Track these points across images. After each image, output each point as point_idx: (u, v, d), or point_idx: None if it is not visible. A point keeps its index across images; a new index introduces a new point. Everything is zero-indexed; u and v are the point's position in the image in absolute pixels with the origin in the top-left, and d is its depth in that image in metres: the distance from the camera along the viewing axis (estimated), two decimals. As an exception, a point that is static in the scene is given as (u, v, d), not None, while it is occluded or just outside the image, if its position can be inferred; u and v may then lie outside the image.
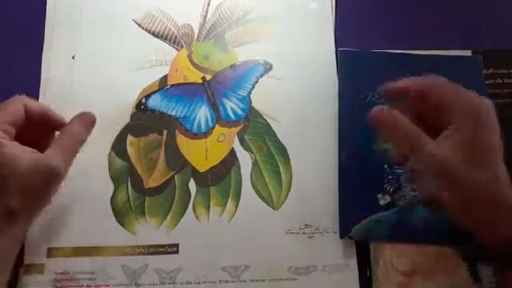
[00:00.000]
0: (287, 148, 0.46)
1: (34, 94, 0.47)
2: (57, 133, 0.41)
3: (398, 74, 0.47)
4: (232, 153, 0.45)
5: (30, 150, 0.38)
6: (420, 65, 0.48)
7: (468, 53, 0.49)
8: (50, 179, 0.38)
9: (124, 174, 0.44)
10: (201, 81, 0.48)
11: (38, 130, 0.41)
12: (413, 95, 0.37)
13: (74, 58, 0.48)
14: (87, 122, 0.41)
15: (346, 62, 0.48)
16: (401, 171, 0.44)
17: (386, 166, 0.44)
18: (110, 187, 0.44)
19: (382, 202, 0.43)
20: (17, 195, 0.36)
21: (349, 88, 0.47)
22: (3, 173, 0.36)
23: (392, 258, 0.41)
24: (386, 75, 0.47)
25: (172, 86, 0.48)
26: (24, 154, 0.37)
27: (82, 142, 0.40)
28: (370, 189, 0.43)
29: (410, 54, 0.48)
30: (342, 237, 0.42)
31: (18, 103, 0.39)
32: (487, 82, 0.48)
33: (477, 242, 0.35)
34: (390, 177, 0.43)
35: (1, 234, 0.36)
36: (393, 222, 0.42)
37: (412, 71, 0.47)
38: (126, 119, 0.46)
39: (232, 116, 0.47)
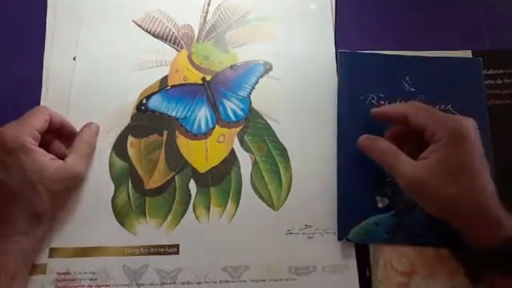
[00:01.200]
0: (287, 148, 0.46)
1: (36, 95, 0.47)
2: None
3: (397, 76, 0.47)
4: (232, 153, 0.45)
5: (53, 156, 0.41)
6: (419, 67, 0.48)
7: (468, 53, 0.49)
8: (73, 184, 0.42)
9: (125, 174, 0.45)
10: (201, 81, 0.48)
11: (55, 137, 0.44)
12: (395, 120, 0.41)
13: (74, 59, 0.48)
14: (94, 130, 0.45)
15: (345, 63, 0.48)
16: None
17: (384, 168, 0.44)
18: (111, 188, 0.44)
19: (380, 205, 0.43)
20: (44, 200, 0.39)
21: (348, 90, 0.47)
22: (33, 179, 0.38)
23: (392, 258, 0.42)
24: (386, 77, 0.47)
25: (172, 86, 0.48)
26: (51, 162, 0.40)
27: (93, 148, 0.45)
28: (368, 191, 0.43)
29: (410, 56, 0.48)
30: (340, 239, 0.42)
31: (44, 112, 0.42)
32: (487, 82, 0.48)
33: (468, 246, 0.37)
34: (388, 179, 0.43)
35: (26, 236, 0.39)
36: (391, 224, 0.42)
37: (411, 73, 0.47)
38: (127, 120, 0.46)
39: (232, 116, 0.47)
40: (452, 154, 0.36)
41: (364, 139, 0.42)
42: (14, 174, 0.38)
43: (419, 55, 0.48)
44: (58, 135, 0.44)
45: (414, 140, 0.40)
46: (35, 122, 0.41)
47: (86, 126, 0.45)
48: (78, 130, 0.45)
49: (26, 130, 0.40)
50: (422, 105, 0.40)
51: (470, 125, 0.37)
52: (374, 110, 0.43)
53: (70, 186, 0.42)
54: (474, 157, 0.36)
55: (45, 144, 0.42)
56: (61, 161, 0.41)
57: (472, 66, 0.48)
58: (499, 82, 0.48)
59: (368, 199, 0.43)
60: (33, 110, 0.42)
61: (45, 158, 0.40)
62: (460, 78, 0.47)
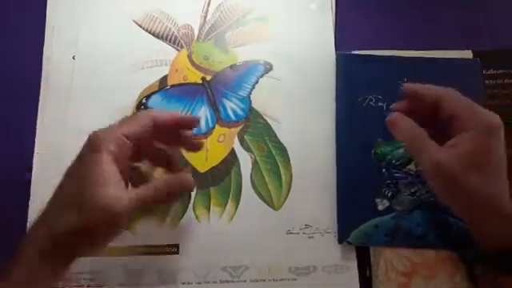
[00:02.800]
0: (287, 148, 0.46)
1: (35, 95, 0.47)
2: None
3: (396, 78, 0.47)
4: (232, 153, 0.45)
5: (118, 185, 0.34)
6: (418, 68, 0.47)
7: (468, 53, 0.49)
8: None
9: (124, 174, 0.44)
10: (201, 81, 0.48)
11: (170, 136, 0.40)
12: (428, 102, 0.39)
13: (74, 58, 0.48)
14: (187, 187, 0.38)
15: (343, 65, 0.48)
16: (399, 175, 0.44)
17: (384, 170, 0.44)
18: (111, 187, 0.44)
19: (380, 207, 0.43)
20: (100, 227, 0.33)
21: (346, 91, 0.47)
22: (100, 219, 0.33)
23: (392, 258, 0.42)
24: (384, 78, 0.47)
25: (172, 86, 0.48)
26: (109, 188, 0.33)
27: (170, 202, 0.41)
28: (368, 193, 0.43)
29: (407, 56, 0.48)
30: (340, 242, 0.42)
31: (147, 116, 0.37)
32: (487, 82, 0.48)
33: (475, 246, 0.36)
34: (388, 181, 0.43)
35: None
36: (391, 226, 0.42)
37: (410, 74, 0.47)
38: (127, 120, 0.46)
39: (232, 116, 0.47)
40: (482, 146, 0.35)
41: (395, 116, 0.39)
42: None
43: (417, 56, 0.48)
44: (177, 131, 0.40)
45: (439, 126, 0.39)
46: (126, 126, 0.35)
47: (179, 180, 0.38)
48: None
49: (110, 131, 0.35)
50: (457, 92, 0.38)
51: (499, 121, 0.36)
52: (407, 84, 0.40)
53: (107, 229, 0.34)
54: (502, 153, 0.36)
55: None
56: (115, 198, 0.33)
57: (471, 67, 0.48)
58: (499, 81, 0.48)
59: (368, 202, 0.43)
60: (132, 114, 0.38)
61: (114, 177, 0.33)
62: (459, 78, 0.47)
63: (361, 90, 0.46)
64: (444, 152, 0.36)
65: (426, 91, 0.39)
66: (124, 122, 0.37)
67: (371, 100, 0.46)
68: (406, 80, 0.47)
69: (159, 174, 0.43)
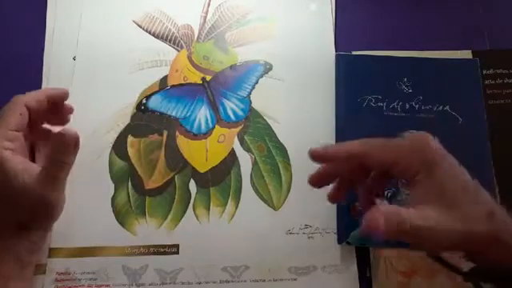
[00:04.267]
0: (287, 148, 0.46)
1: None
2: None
3: (395, 78, 0.47)
4: (232, 153, 0.45)
5: (31, 166, 0.37)
6: (416, 68, 0.47)
7: (468, 53, 0.49)
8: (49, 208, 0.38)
9: (124, 174, 0.44)
10: (201, 81, 0.48)
11: (53, 112, 0.41)
12: (344, 159, 0.35)
13: (74, 59, 0.48)
14: (67, 144, 0.38)
15: (342, 65, 0.48)
16: None
17: (383, 171, 0.44)
18: (111, 188, 0.44)
19: None
20: (24, 210, 0.37)
21: (346, 92, 0.47)
22: (5, 190, 0.36)
23: (392, 258, 0.42)
24: (383, 79, 0.47)
25: (172, 86, 0.48)
26: (23, 173, 0.36)
27: (67, 165, 0.38)
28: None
29: (407, 57, 0.48)
30: (339, 243, 0.42)
31: (18, 104, 0.39)
32: (487, 82, 0.48)
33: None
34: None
35: (19, 239, 0.37)
36: None
37: (408, 74, 0.47)
38: (127, 120, 0.46)
39: (232, 116, 0.47)
40: (440, 183, 0.31)
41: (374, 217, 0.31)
42: None
43: (416, 56, 0.48)
44: (55, 108, 0.41)
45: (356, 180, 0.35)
46: (8, 120, 0.38)
47: (57, 138, 0.38)
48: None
49: (1, 134, 0.37)
50: (377, 140, 0.34)
51: (429, 139, 0.33)
52: (313, 151, 0.35)
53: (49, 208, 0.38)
54: (459, 173, 0.32)
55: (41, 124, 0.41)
56: (34, 177, 0.36)
57: (470, 67, 0.48)
58: (499, 81, 0.48)
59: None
60: (7, 106, 0.38)
61: (19, 167, 0.36)
62: (458, 78, 0.47)
63: (360, 90, 0.47)
64: (425, 216, 0.30)
65: (340, 151, 0.35)
66: (2, 117, 0.38)
67: (371, 100, 0.46)
68: (405, 80, 0.47)
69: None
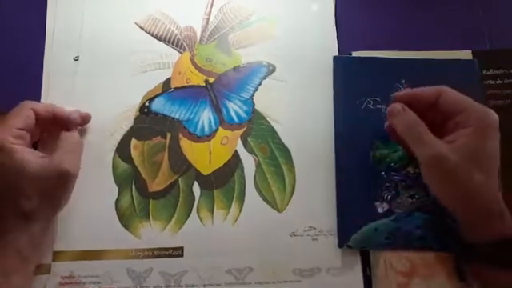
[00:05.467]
0: (290, 150, 0.46)
1: (37, 97, 0.47)
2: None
3: (393, 79, 0.47)
4: (235, 155, 0.45)
5: (40, 154, 0.40)
6: (415, 69, 0.47)
7: (468, 53, 0.49)
8: (62, 181, 0.40)
9: (128, 177, 0.44)
10: (204, 83, 0.48)
11: (52, 128, 0.43)
12: (423, 101, 0.40)
13: (75, 59, 0.48)
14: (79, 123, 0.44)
15: (340, 68, 0.48)
16: (398, 178, 0.44)
17: (383, 173, 0.44)
18: (115, 191, 0.44)
19: (380, 210, 0.43)
20: (29, 198, 0.38)
21: (344, 95, 0.47)
22: (14, 178, 0.38)
23: (392, 258, 0.42)
24: (381, 80, 0.47)
25: (175, 88, 0.48)
26: (34, 159, 0.39)
27: (80, 143, 0.43)
28: (367, 197, 0.43)
29: (405, 58, 0.48)
30: (340, 246, 0.42)
31: (26, 108, 0.41)
32: (487, 82, 0.48)
33: (463, 242, 0.38)
34: (387, 184, 0.43)
35: (19, 232, 0.38)
36: (391, 229, 0.42)
37: (407, 76, 0.47)
38: (130, 122, 0.46)
39: (235, 118, 0.47)
40: (481, 142, 0.36)
41: (398, 106, 0.40)
42: None
43: (416, 57, 0.48)
44: (56, 124, 0.43)
45: (435, 124, 0.40)
46: (15, 120, 0.40)
47: (72, 114, 0.43)
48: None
49: (6, 130, 0.39)
50: (453, 90, 0.40)
51: (496, 117, 0.37)
52: (400, 93, 0.41)
53: (59, 184, 0.40)
54: (498, 151, 0.37)
55: (43, 137, 0.43)
56: (47, 157, 0.39)
57: (470, 67, 0.48)
58: (499, 82, 0.48)
59: (367, 205, 0.43)
60: (15, 108, 0.41)
61: (28, 156, 0.39)
62: (457, 79, 0.47)
63: (358, 92, 0.46)
64: (445, 145, 0.37)
65: (423, 93, 0.40)
66: (10, 117, 0.40)
67: (369, 102, 0.46)
68: (403, 82, 0.47)
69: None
